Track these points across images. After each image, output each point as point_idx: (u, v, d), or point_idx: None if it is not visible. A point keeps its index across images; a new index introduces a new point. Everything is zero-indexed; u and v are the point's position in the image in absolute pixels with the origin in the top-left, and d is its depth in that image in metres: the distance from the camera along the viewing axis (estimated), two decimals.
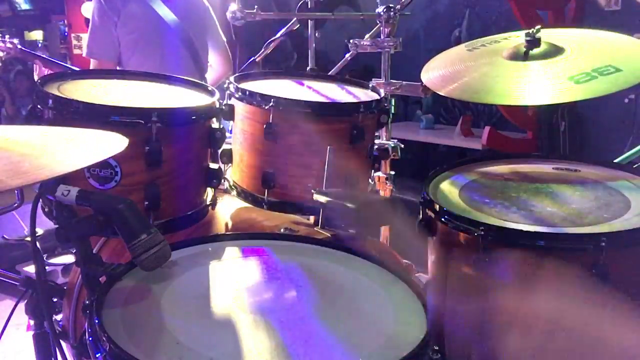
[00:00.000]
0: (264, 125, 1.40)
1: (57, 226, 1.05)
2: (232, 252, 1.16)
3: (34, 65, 3.19)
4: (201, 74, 2.64)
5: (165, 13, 2.52)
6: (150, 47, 2.53)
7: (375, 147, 1.61)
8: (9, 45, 3.21)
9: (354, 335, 0.89)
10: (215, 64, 2.80)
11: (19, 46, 3.27)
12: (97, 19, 2.51)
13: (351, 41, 2.09)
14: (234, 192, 1.56)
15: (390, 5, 1.95)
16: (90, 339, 0.86)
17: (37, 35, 6.90)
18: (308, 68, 2.25)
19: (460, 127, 4.52)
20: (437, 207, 1.23)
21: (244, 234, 1.25)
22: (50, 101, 1.27)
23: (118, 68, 2.51)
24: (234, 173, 1.56)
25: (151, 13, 2.51)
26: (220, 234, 1.36)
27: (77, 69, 3.04)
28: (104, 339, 0.82)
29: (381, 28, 1.97)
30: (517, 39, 1.50)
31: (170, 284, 1.01)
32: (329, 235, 1.41)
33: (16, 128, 1.03)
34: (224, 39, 2.81)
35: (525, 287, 1.02)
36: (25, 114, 1.33)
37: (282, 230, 1.43)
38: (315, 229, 1.46)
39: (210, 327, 0.90)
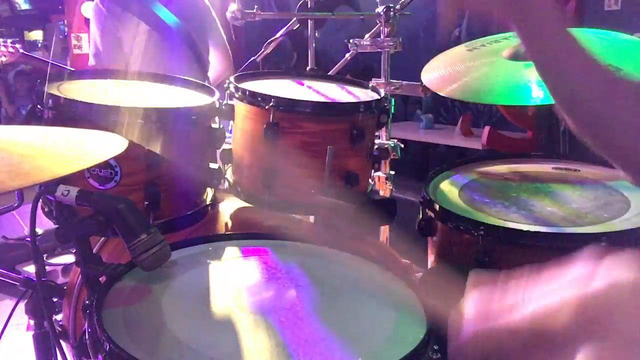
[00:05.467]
0: (264, 125, 1.40)
1: (57, 226, 1.05)
2: (232, 252, 1.16)
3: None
4: (204, 75, 2.64)
5: (166, 15, 2.52)
6: (153, 50, 2.52)
7: (375, 147, 1.61)
8: (11, 50, 3.21)
9: (354, 335, 0.89)
10: (215, 62, 2.80)
11: (21, 50, 3.27)
12: (98, 25, 2.51)
13: (351, 41, 2.09)
14: (234, 192, 1.56)
15: (390, 5, 1.95)
16: (90, 339, 0.86)
17: (37, 35, 6.89)
18: (308, 68, 2.26)
19: (460, 127, 4.53)
20: (437, 207, 1.23)
21: (244, 234, 1.25)
22: (50, 101, 1.27)
23: None
24: (234, 173, 1.56)
25: (151, 16, 2.51)
26: (220, 234, 1.36)
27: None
28: (104, 338, 0.82)
29: (381, 28, 1.97)
30: (517, 39, 1.50)
31: (170, 284, 1.01)
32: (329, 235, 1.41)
33: (16, 128, 1.03)
34: (224, 37, 2.81)
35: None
36: (25, 114, 1.33)
37: (282, 230, 1.43)
38: (315, 229, 1.46)
39: (210, 327, 0.90)
